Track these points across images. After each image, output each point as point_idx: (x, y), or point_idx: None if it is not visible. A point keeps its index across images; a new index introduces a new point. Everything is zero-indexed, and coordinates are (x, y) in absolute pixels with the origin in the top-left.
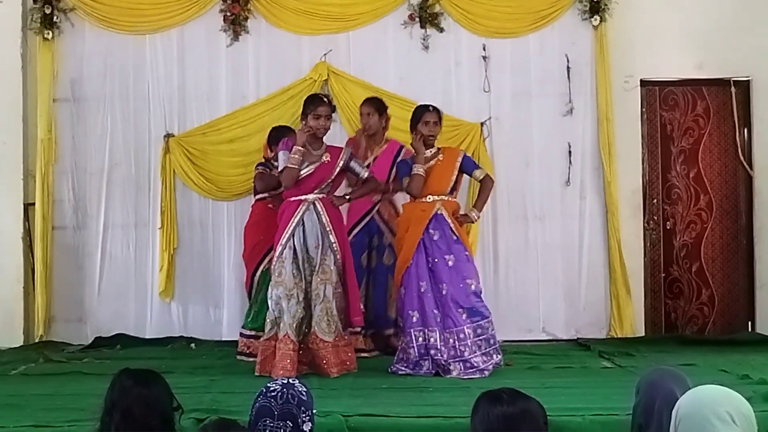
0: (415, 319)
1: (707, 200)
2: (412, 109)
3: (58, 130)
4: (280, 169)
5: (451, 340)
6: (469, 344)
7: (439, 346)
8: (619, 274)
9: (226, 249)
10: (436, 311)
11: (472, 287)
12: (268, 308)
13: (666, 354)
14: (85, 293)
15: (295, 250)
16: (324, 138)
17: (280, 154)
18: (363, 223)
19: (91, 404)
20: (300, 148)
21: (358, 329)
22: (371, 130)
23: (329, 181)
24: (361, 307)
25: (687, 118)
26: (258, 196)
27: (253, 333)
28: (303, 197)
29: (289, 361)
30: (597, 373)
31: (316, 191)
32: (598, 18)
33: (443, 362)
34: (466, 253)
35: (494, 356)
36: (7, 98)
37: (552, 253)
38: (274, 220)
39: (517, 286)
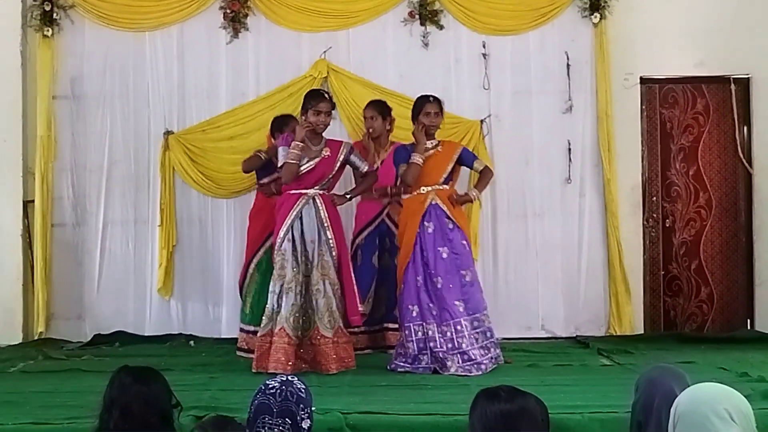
0: (414, 314)
1: (707, 198)
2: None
3: (58, 128)
4: (279, 165)
5: (448, 333)
6: (467, 336)
7: (437, 339)
8: (619, 272)
9: (225, 246)
10: (431, 305)
11: (467, 278)
12: (264, 301)
13: (665, 352)
14: (85, 290)
15: (294, 242)
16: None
17: (280, 150)
18: (373, 226)
19: (90, 401)
20: (299, 143)
21: (356, 330)
22: (375, 133)
23: (330, 176)
24: (361, 307)
25: (687, 116)
26: (258, 183)
27: (251, 328)
28: (303, 191)
29: (283, 354)
30: (596, 370)
31: (316, 186)
32: (598, 15)
33: (441, 355)
34: (464, 241)
35: (492, 350)
36: (7, 96)
37: (551, 250)
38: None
39: (517, 283)
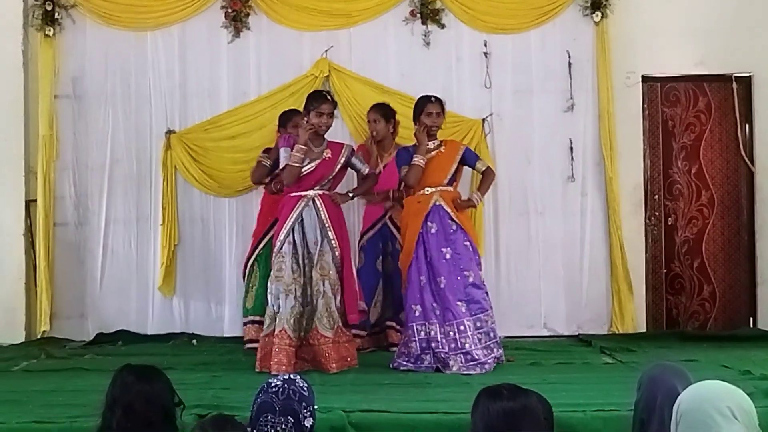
0: (417, 313)
1: (709, 196)
2: (415, 100)
3: (60, 127)
4: (281, 167)
5: (451, 333)
6: (470, 336)
7: (439, 339)
8: (621, 270)
9: (227, 245)
10: (435, 305)
11: (470, 279)
12: (264, 296)
13: (667, 350)
14: (87, 289)
15: (294, 245)
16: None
17: (282, 151)
18: (375, 229)
19: (92, 400)
20: (302, 146)
21: (360, 332)
22: (378, 136)
23: (330, 177)
24: (364, 306)
25: (688, 114)
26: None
27: (257, 318)
28: (303, 193)
29: (284, 355)
30: (598, 368)
31: (316, 188)
32: (600, 14)
33: (444, 355)
34: (467, 242)
35: (494, 350)
36: (9, 95)
37: (553, 249)
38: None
39: (519, 282)
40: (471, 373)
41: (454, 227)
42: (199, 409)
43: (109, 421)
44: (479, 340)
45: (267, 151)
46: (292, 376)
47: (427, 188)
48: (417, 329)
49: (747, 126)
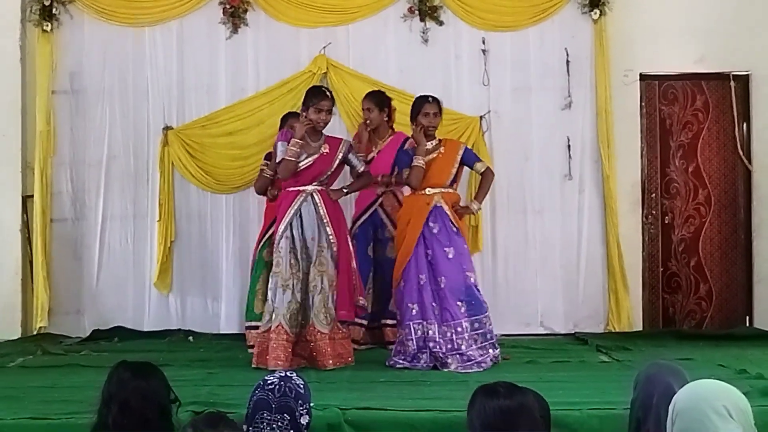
0: (414, 312)
1: (706, 195)
2: (414, 100)
3: (57, 122)
4: (277, 161)
5: (448, 334)
6: (466, 338)
7: (437, 339)
8: (618, 269)
9: (224, 242)
10: (434, 304)
11: (471, 280)
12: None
13: (664, 348)
14: (84, 285)
15: (293, 240)
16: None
17: (279, 145)
18: (367, 215)
19: (89, 396)
20: (299, 140)
21: (362, 321)
22: (372, 124)
23: (328, 173)
24: (362, 301)
25: (686, 113)
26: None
27: (254, 323)
28: (301, 188)
29: (281, 351)
30: (595, 367)
31: (314, 183)
32: (598, 12)
33: (441, 355)
34: (465, 246)
35: (490, 350)
36: (6, 91)
37: (550, 247)
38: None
39: (516, 280)
40: (469, 371)
41: (455, 229)
42: (195, 406)
43: (105, 418)
44: (475, 340)
45: (268, 157)
46: (288, 373)
47: (428, 188)
48: (414, 328)
49: (744, 124)
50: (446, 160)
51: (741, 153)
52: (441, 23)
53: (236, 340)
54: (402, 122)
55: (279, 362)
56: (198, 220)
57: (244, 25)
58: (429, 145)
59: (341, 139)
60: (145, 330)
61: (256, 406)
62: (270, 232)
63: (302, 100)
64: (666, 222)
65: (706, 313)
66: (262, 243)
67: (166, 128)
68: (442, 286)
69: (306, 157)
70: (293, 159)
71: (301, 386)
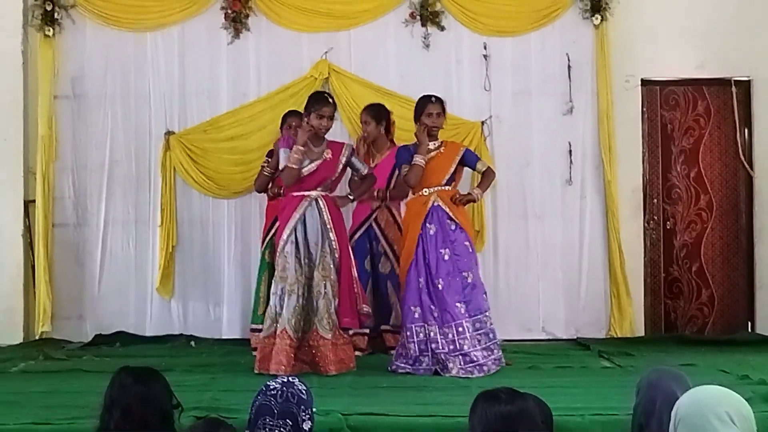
0: (416, 315)
1: (707, 200)
2: (416, 101)
3: (59, 127)
4: (280, 168)
5: (450, 335)
6: (469, 338)
7: (438, 341)
8: (619, 274)
9: (226, 247)
10: (433, 306)
11: (469, 280)
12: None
13: (665, 354)
14: (86, 290)
15: (297, 245)
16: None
17: (281, 152)
18: (363, 229)
19: (91, 402)
20: (301, 147)
21: (365, 330)
22: (369, 137)
23: (332, 178)
24: (366, 308)
25: (688, 118)
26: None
27: (258, 326)
28: (306, 193)
29: (284, 356)
30: (597, 372)
31: (318, 188)
32: (599, 17)
33: (443, 356)
34: (466, 242)
35: (494, 351)
36: (8, 95)
37: (552, 252)
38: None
39: (517, 285)
40: (470, 376)
41: (453, 227)
42: (198, 411)
43: (107, 423)
44: (478, 341)
45: (270, 154)
46: (290, 378)
47: (425, 189)
48: (415, 331)
49: (746, 130)
50: (445, 160)
51: (742, 158)
52: (442, 28)
53: (238, 345)
54: (404, 127)
55: (281, 367)
56: (200, 225)
57: (245, 30)
58: (431, 145)
59: (343, 143)
60: (147, 335)
61: (259, 412)
62: (271, 232)
63: (304, 105)
64: (668, 227)
65: (708, 319)
66: (265, 244)
67: (168, 133)
68: (440, 288)
69: (309, 163)
70: (296, 166)
71: (304, 392)
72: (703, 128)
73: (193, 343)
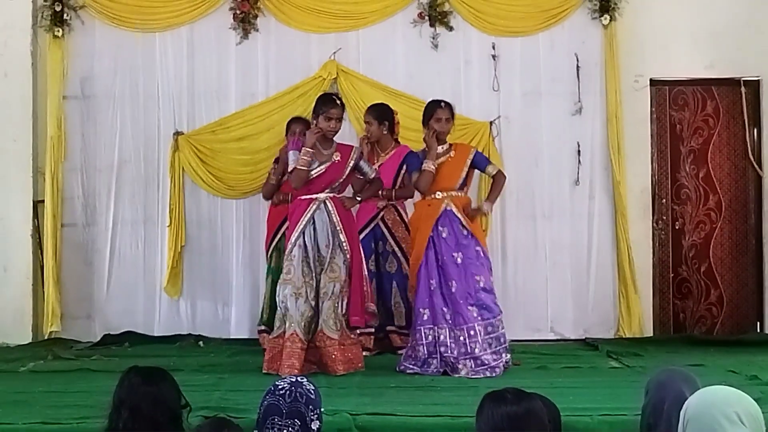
0: (426, 317)
1: (716, 200)
2: (425, 104)
3: (68, 128)
4: (289, 170)
5: (461, 338)
6: (480, 341)
7: (448, 343)
8: (628, 274)
9: (234, 247)
10: (445, 309)
11: (481, 284)
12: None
13: (674, 354)
14: (94, 290)
15: (305, 248)
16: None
17: (290, 155)
18: (369, 229)
19: (99, 401)
20: (309, 149)
21: (370, 330)
22: (372, 138)
23: (340, 180)
24: (372, 307)
25: (697, 118)
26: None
27: (261, 327)
28: (314, 196)
29: (296, 359)
30: (605, 373)
31: (327, 191)
32: (608, 17)
33: (452, 360)
34: (478, 248)
35: (503, 355)
36: (18, 96)
37: (560, 252)
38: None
39: (526, 285)
40: (479, 377)
41: (466, 233)
42: (206, 411)
43: (116, 423)
44: (489, 344)
45: (277, 161)
46: (299, 378)
47: (438, 192)
48: (425, 333)
49: (755, 130)
50: (456, 164)
51: (752, 158)
52: (451, 29)
53: (247, 344)
54: (413, 127)
55: (294, 370)
56: (208, 225)
57: (254, 30)
58: (440, 149)
59: (352, 146)
60: (156, 335)
61: (267, 412)
62: (277, 238)
63: (312, 107)
64: (676, 227)
65: (716, 319)
66: (270, 251)
67: (177, 133)
68: (453, 290)
69: (318, 165)
70: (305, 168)
71: (312, 391)
72: (712, 128)
73: (201, 343)
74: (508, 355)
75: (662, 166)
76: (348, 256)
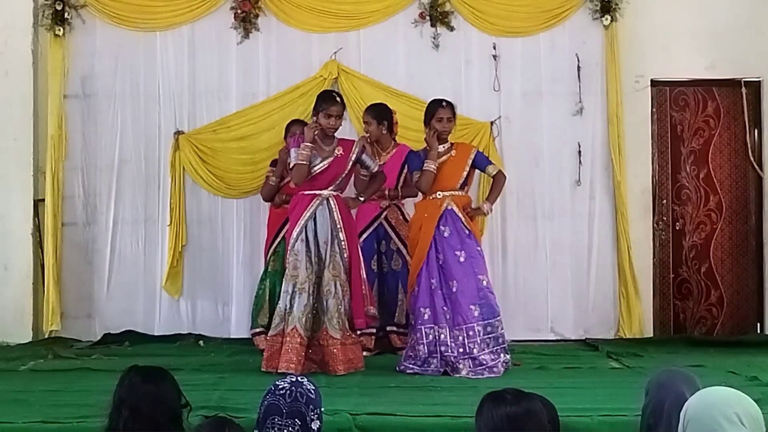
0: (426, 317)
1: (717, 201)
2: (426, 104)
3: (69, 127)
4: (290, 166)
5: (460, 338)
6: (478, 342)
7: (449, 343)
8: (628, 275)
9: (234, 246)
10: (445, 308)
11: (484, 283)
12: (275, 303)
13: (674, 355)
14: (95, 290)
15: (307, 243)
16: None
17: (291, 152)
18: (372, 229)
19: (99, 401)
20: (309, 144)
21: (371, 330)
22: (371, 137)
23: (343, 175)
24: (372, 310)
25: (697, 119)
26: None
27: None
28: (317, 192)
29: (294, 355)
30: (605, 373)
31: (330, 187)
32: (609, 17)
33: (453, 359)
34: (478, 248)
35: (502, 355)
36: (18, 94)
37: (561, 252)
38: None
39: (526, 285)
40: (479, 377)
41: (467, 232)
42: (206, 411)
43: (116, 422)
44: (487, 344)
45: (274, 164)
46: (299, 378)
47: (439, 192)
48: (425, 332)
49: (756, 131)
50: (457, 163)
51: (752, 159)
52: (452, 29)
53: (246, 344)
54: (414, 127)
55: (291, 365)
56: (209, 224)
57: (255, 30)
58: (441, 148)
59: (354, 140)
60: (156, 334)
61: (267, 411)
62: (276, 242)
63: (313, 105)
64: (677, 228)
65: (717, 320)
66: (269, 255)
67: (178, 133)
68: (454, 290)
69: (320, 161)
70: (305, 162)
71: (312, 391)
72: (713, 129)
73: (201, 342)
74: (508, 356)
75: (663, 166)
76: (346, 255)
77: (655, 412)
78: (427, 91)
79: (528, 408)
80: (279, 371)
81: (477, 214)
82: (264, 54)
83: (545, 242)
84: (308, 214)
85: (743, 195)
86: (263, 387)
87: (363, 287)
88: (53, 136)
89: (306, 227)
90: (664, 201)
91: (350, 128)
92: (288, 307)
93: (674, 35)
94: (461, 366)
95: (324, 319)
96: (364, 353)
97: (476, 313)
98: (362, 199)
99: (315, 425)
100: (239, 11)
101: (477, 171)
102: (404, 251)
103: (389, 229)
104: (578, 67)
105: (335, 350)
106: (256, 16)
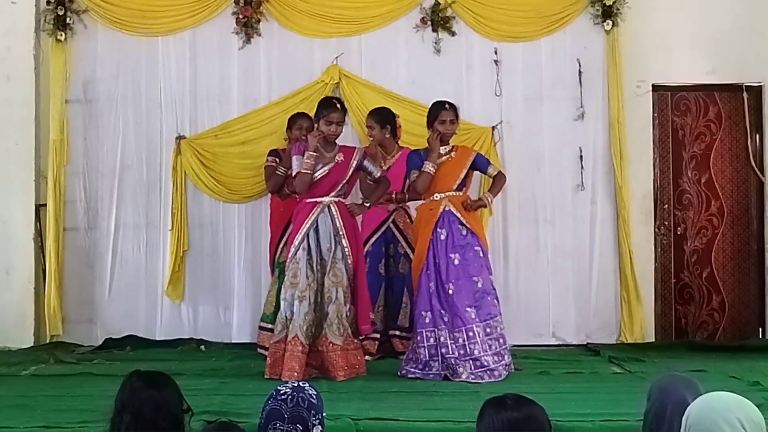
0: (427, 320)
1: (718, 206)
2: (428, 107)
3: (70, 132)
4: (294, 174)
5: (460, 339)
6: (479, 342)
7: (449, 345)
8: (630, 279)
9: (236, 251)
10: (443, 311)
11: (480, 284)
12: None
13: (676, 360)
14: (96, 294)
15: (309, 251)
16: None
17: (294, 159)
18: (379, 233)
19: (101, 405)
20: (312, 153)
21: (375, 335)
22: (375, 142)
23: (344, 182)
24: (372, 316)
25: (699, 124)
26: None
27: (268, 325)
28: (319, 199)
29: (297, 363)
30: (607, 378)
31: (332, 194)
32: (611, 22)
33: (453, 361)
34: (477, 247)
35: (505, 356)
36: (20, 99)
37: (562, 257)
38: (292, 207)
39: (527, 290)
40: (480, 381)
41: (465, 232)
42: (208, 416)
43: (118, 427)
44: (489, 346)
45: (273, 153)
46: (301, 383)
47: (436, 194)
48: (426, 335)
49: (757, 136)
50: (455, 165)
51: (754, 164)
52: (453, 33)
53: (248, 349)
54: (416, 132)
55: (294, 374)
56: (210, 229)
57: (257, 35)
58: (442, 149)
59: (355, 147)
60: (158, 339)
61: (269, 416)
62: (284, 240)
63: (314, 111)
64: (678, 233)
65: (718, 325)
66: (279, 252)
67: (179, 137)
68: (450, 292)
69: (321, 167)
70: (308, 171)
71: (314, 396)
72: (714, 134)
73: (203, 347)
74: (510, 358)
75: (664, 171)
76: (350, 261)
77: (657, 417)
78: (429, 95)
79: (529, 413)
80: (282, 379)
81: (478, 205)
82: (265, 59)
83: (546, 247)
84: (310, 222)
85: (745, 200)
86: (265, 392)
87: (367, 293)
88: (55, 140)
89: (308, 236)
90: (666, 206)
91: (352, 133)
92: (289, 314)
93: (675, 40)
94: (461, 369)
95: (324, 325)
96: (366, 357)
97: (473, 315)
98: (368, 204)
99: (317, 430)
100: (241, 16)
101: (477, 178)
102: (411, 255)
103: (397, 233)
104: (579, 72)
105: (335, 356)
106: (258, 21)
